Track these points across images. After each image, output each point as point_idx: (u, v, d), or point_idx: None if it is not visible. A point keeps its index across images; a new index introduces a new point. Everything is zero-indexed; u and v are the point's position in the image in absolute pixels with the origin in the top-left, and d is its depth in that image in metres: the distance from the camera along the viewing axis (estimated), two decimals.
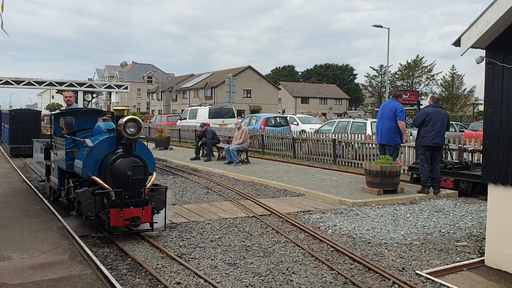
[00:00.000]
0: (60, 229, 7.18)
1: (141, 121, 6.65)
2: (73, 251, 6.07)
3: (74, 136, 7.76)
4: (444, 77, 63.63)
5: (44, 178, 9.76)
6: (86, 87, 16.81)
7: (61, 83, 16.74)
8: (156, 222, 6.78)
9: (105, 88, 17.03)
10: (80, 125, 8.61)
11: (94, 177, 6.66)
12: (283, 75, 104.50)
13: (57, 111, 9.27)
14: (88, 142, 6.80)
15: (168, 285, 4.94)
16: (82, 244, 6.21)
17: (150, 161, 7.09)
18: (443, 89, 62.20)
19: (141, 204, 6.56)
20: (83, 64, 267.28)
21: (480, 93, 65.32)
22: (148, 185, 6.83)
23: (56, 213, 8.07)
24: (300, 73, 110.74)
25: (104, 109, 10.44)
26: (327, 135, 17.10)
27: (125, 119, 6.54)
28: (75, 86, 16.61)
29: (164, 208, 6.96)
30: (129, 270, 5.47)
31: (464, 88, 61.91)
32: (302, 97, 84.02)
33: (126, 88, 29.96)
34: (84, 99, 17.23)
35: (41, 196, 9.73)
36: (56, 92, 18.48)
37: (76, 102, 9.87)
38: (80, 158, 7.09)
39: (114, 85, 17.55)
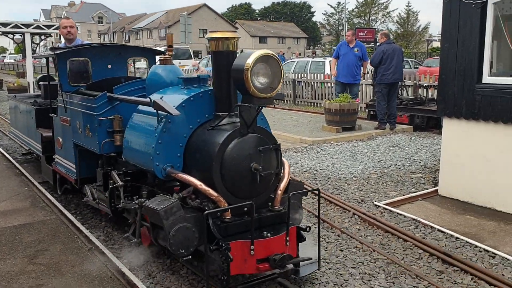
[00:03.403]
0: (18, 176, 7.01)
1: (280, 60, 3.37)
2: (34, 198, 5.96)
3: (102, 91, 4.53)
4: (399, 14, 64.01)
5: (32, 151, 7.08)
6: (33, 28, 15.82)
7: (5, 24, 15.66)
8: (310, 258, 3.72)
9: (54, 29, 16.08)
10: (100, 72, 5.36)
11: (186, 176, 3.56)
12: (240, 14, 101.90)
13: (59, 48, 5.41)
14: (165, 105, 3.48)
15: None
16: (43, 190, 6.12)
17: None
18: (399, 26, 62.71)
19: (278, 225, 3.62)
20: (26, 3, 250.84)
21: (434, 30, 66.28)
22: (282, 185, 3.75)
23: (12, 160, 7.86)
24: (257, 11, 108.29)
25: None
26: (286, 75, 17.07)
27: (251, 58, 3.17)
28: (21, 28, 15.60)
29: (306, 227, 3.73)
30: (94, 214, 5.46)
31: (419, 25, 62.68)
32: (260, 36, 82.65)
33: (77, 28, 28.51)
34: (32, 42, 16.27)
35: None
36: (0, 35, 17.33)
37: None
38: (137, 136, 3.99)
39: None
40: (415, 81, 12.24)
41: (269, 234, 3.45)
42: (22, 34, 16.27)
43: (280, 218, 3.65)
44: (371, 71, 12.57)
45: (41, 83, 6.74)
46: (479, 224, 5.06)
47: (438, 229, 4.87)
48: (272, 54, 3.31)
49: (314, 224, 4.51)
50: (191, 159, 3.71)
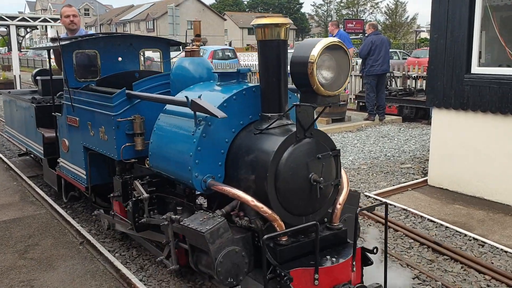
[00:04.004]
0: (6, 170, 6.94)
1: (348, 51, 2.87)
2: (23, 192, 5.91)
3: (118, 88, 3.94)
4: (388, 4, 64.27)
5: (31, 152, 6.37)
6: (18, 20, 15.55)
7: None
8: (380, 286, 3.03)
9: (40, 21, 15.85)
10: (110, 66, 4.81)
11: (232, 189, 2.96)
12: (228, 5, 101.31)
13: (63, 39, 4.65)
14: (207, 105, 2.95)
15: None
16: (33, 185, 6.07)
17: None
18: (387, 17, 62.90)
19: (338, 246, 3.07)
20: None
21: (422, 21, 66.58)
22: (342, 198, 3.17)
23: (0, 155, 7.78)
24: (245, 3, 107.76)
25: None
26: None
27: (317, 48, 2.69)
28: (6, 20, 15.35)
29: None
30: (84, 208, 5.43)
31: (407, 15, 62.99)
32: (249, 28, 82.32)
33: (80, 18, 28.03)
34: (17, 34, 16.02)
35: None
36: None
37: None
38: (169, 142, 3.37)
39: (50, 19, 16.31)
40: (403, 72, 12.29)
41: (333, 259, 2.86)
42: (7, 26, 16.01)
43: (339, 237, 3.07)
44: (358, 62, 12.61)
45: (38, 78, 6.26)
46: (468, 213, 5.12)
47: (428, 219, 4.92)
48: (340, 43, 2.79)
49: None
50: (235, 169, 3.10)
